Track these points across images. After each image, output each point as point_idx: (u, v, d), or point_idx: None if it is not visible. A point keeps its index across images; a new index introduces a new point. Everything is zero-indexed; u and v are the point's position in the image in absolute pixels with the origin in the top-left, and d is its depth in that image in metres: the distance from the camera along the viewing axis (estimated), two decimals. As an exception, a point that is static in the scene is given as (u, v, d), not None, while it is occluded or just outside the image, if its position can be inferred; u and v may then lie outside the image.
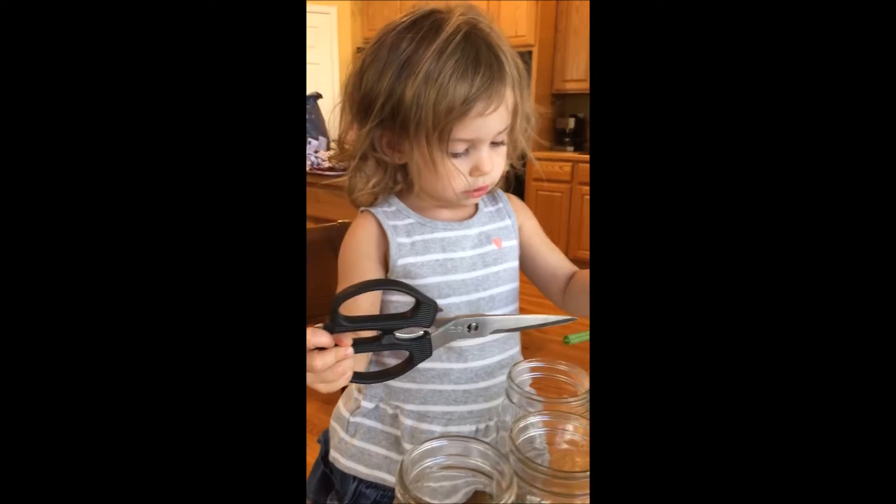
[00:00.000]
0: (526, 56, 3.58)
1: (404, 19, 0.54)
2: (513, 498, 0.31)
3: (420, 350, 0.47)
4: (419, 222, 0.60)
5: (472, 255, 0.60)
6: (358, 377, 0.47)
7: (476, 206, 0.64)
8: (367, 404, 0.61)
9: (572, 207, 3.46)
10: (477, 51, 0.51)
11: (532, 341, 2.41)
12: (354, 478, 0.61)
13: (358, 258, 0.59)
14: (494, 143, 0.56)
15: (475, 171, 0.55)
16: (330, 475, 0.63)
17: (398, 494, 0.31)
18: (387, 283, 0.55)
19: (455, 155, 0.54)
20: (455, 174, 0.54)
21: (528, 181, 3.63)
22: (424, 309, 0.46)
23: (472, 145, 0.54)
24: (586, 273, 0.64)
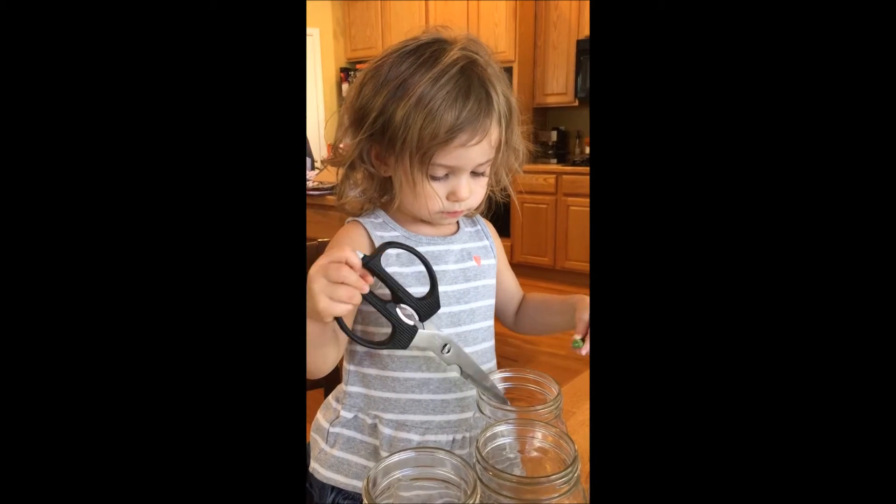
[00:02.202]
0: (507, 72, 3.64)
1: (409, 43, 0.56)
2: (476, 502, 0.32)
3: (402, 333, 0.50)
4: (404, 235, 0.62)
5: (455, 269, 0.63)
6: (341, 324, 0.50)
7: (458, 224, 0.67)
8: (346, 414, 0.63)
9: (558, 219, 3.49)
10: (469, 84, 0.54)
11: (521, 353, 2.42)
12: (333, 488, 0.61)
13: None
14: (475, 173, 0.58)
15: (452, 196, 0.58)
16: (309, 488, 0.64)
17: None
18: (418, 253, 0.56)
19: (435, 178, 0.56)
20: (432, 196, 0.57)
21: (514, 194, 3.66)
22: (431, 302, 0.52)
23: (452, 172, 0.57)
24: (533, 296, 0.72)
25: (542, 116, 3.92)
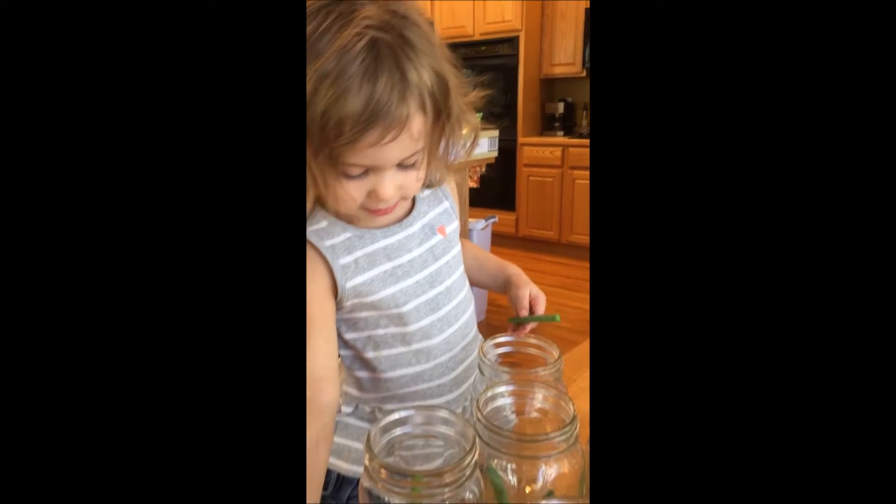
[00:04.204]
0: (513, 42, 3.57)
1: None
2: (475, 460, 0.33)
3: None
4: (356, 235, 0.54)
5: (421, 251, 0.57)
6: None
7: (413, 199, 0.60)
8: (346, 408, 0.61)
9: (563, 192, 3.47)
10: (379, 63, 0.42)
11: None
12: (337, 474, 0.61)
13: (308, 299, 0.50)
14: (403, 166, 0.49)
15: (373, 195, 0.49)
16: None
17: (366, 459, 0.33)
18: None
19: (350, 176, 0.47)
20: (345, 199, 0.49)
21: (519, 166, 3.64)
22: None
23: (372, 170, 0.47)
24: (469, 248, 0.69)
25: (549, 87, 3.86)
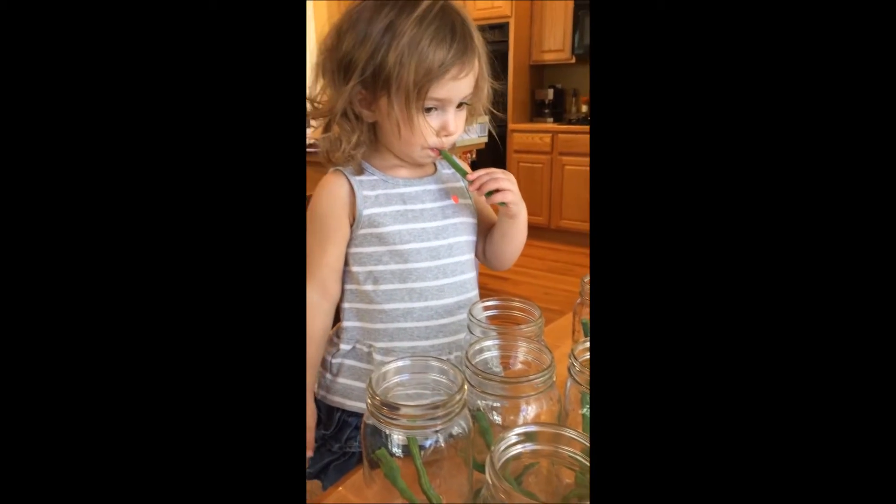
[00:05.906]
0: (503, 28, 3.58)
1: None
2: (463, 398, 0.37)
3: None
4: (382, 179, 0.68)
5: (433, 207, 0.68)
6: None
7: (435, 166, 0.72)
8: (345, 346, 0.69)
9: (553, 178, 3.51)
10: (452, 22, 0.60)
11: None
12: (338, 409, 0.68)
13: (330, 211, 0.66)
14: (462, 104, 0.63)
15: (442, 131, 0.63)
16: (317, 411, 0.70)
17: (368, 399, 0.37)
18: None
19: (428, 110, 0.62)
20: (427, 130, 0.62)
21: (510, 153, 3.67)
22: None
23: (442, 105, 0.62)
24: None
25: (539, 74, 3.89)
